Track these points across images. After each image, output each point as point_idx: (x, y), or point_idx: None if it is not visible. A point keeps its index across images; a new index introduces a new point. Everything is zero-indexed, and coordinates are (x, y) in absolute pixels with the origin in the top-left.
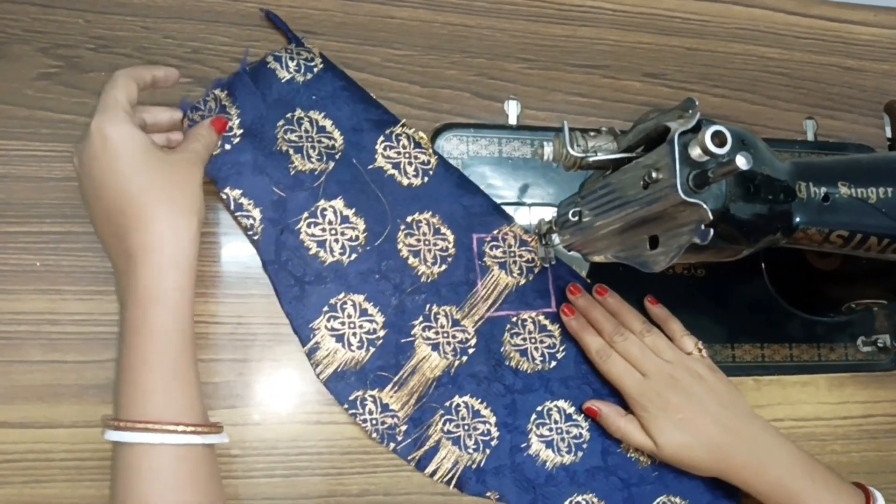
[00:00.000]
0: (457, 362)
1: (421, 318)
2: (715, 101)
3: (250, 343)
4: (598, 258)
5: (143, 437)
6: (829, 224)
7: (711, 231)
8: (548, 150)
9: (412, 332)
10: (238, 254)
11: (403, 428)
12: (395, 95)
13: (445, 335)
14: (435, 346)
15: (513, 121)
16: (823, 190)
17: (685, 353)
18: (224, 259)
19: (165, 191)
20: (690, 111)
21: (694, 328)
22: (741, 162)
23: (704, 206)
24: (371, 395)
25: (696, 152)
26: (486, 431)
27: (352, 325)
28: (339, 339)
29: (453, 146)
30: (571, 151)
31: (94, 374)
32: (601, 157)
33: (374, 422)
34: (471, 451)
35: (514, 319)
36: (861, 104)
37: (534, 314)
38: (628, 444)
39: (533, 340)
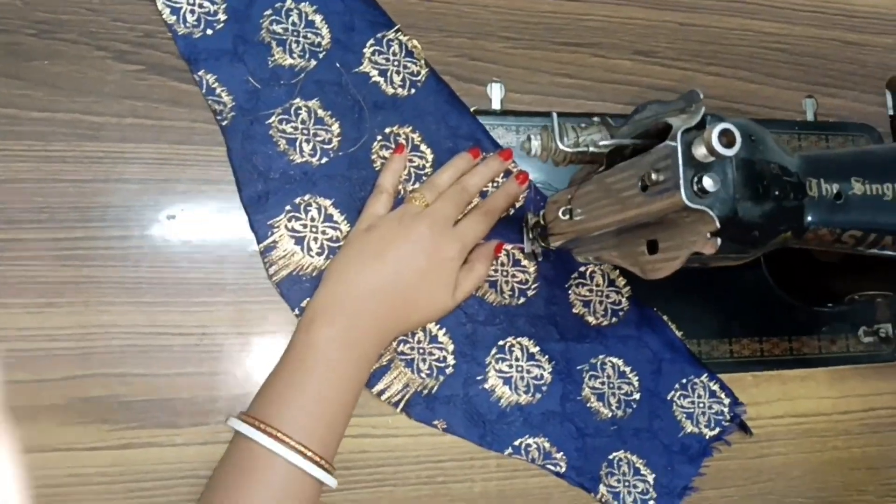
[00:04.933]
0: None
1: None
2: (709, 79)
3: (217, 355)
4: (591, 258)
5: (271, 443)
6: (841, 224)
7: (719, 241)
8: (535, 143)
9: None
10: (199, 259)
11: None
12: None
13: None
14: None
15: (496, 105)
16: (836, 187)
17: None
18: (184, 264)
19: (437, 301)
20: (694, 105)
21: (689, 322)
22: (708, 184)
23: (711, 213)
24: None
25: (700, 152)
26: (441, 358)
27: (314, 230)
28: (299, 241)
29: None
30: (561, 146)
31: (49, 394)
32: (593, 150)
33: None
34: (423, 375)
35: None
36: (862, 81)
37: (509, 247)
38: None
39: (504, 273)
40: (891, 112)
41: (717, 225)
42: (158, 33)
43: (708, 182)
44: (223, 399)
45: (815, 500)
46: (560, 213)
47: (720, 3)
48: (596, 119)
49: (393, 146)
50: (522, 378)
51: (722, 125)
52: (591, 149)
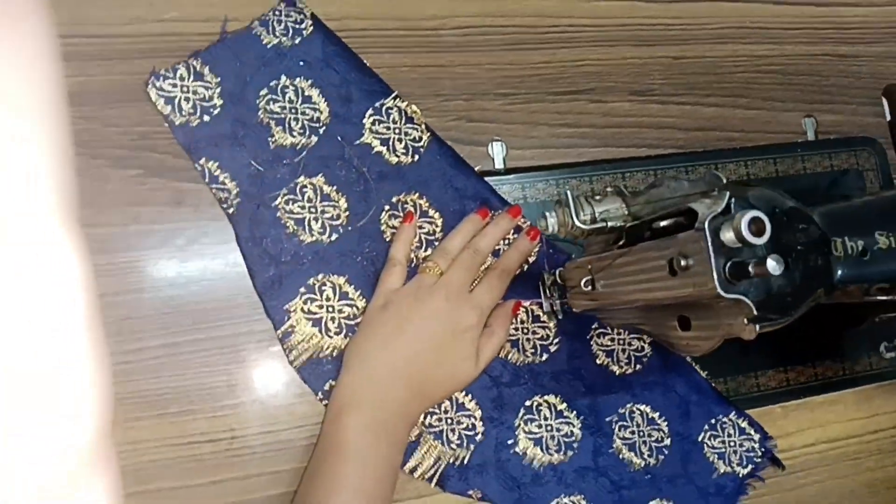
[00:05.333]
0: None
1: None
2: (708, 111)
3: (249, 457)
4: (616, 324)
5: None
6: (868, 279)
7: (758, 327)
8: (551, 221)
9: None
10: (218, 363)
11: None
12: None
13: None
14: None
15: (499, 164)
16: (861, 244)
17: None
18: (204, 370)
19: (460, 372)
20: (717, 190)
21: (713, 361)
22: (772, 267)
23: (748, 301)
24: None
25: (728, 237)
26: (470, 426)
27: (330, 309)
28: (316, 323)
29: None
30: (577, 223)
31: None
32: (613, 225)
33: None
34: (454, 446)
35: None
36: (859, 93)
37: (527, 304)
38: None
39: (525, 331)
40: (888, 119)
41: (755, 311)
42: (154, 134)
43: (772, 266)
44: (259, 501)
45: None
46: (582, 284)
47: (710, 31)
48: (609, 189)
49: (401, 214)
50: (553, 437)
51: (751, 214)
52: (610, 223)
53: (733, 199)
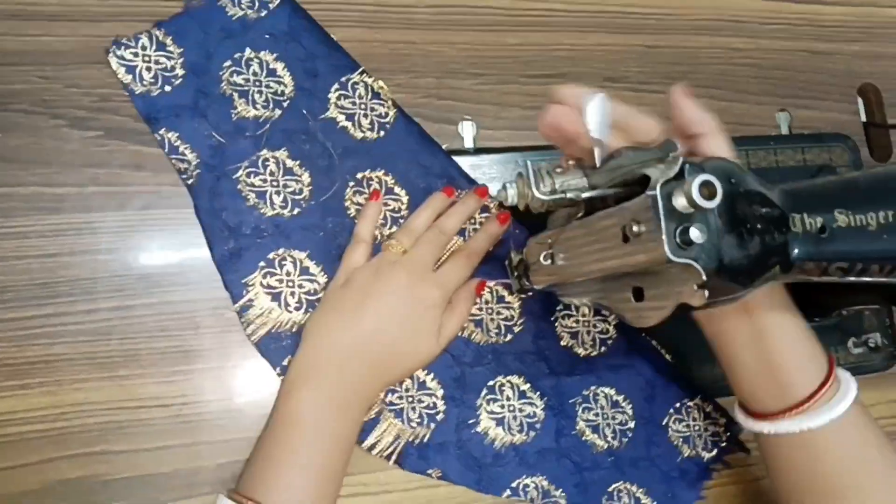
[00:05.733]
0: None
1: None
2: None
3: (199, 424)
4: (576, 301)
5: None
6: (827, 257)
7: (706, 293)
8: (511, 192)
9: None
10: (172, 328)
11: None
12: None
13: None
14: None
15: (469, 144)
16: (819, 220)
17: None
18: (158, 334)
19: (422, 349)
20: (671, 155)
21: (680, 347)
22: (695, 236)
23: (697, 266)
24: None
25: (681, 202)
26: (431, 405)
27: (290, 284)
28: (276, 297)
29: None
30: (537, 194)
31: (26, 479)
32: (571, 197)
33: None
34: (414, 425)
35: None
36: (833, 90)
37: (492, 283)
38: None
39: (490, 311)
40: (863, 119)
41: (704, 277)
42: (115, 96)
43: (695, 233)
44: (207, 469)
45: None
46: (542, 258)
47: (687, 22)
48: (571, 162)
49: (367, 191)
50: (515, 417)
51: (702, 177)
52: (569, 195)
53: (687, 165)
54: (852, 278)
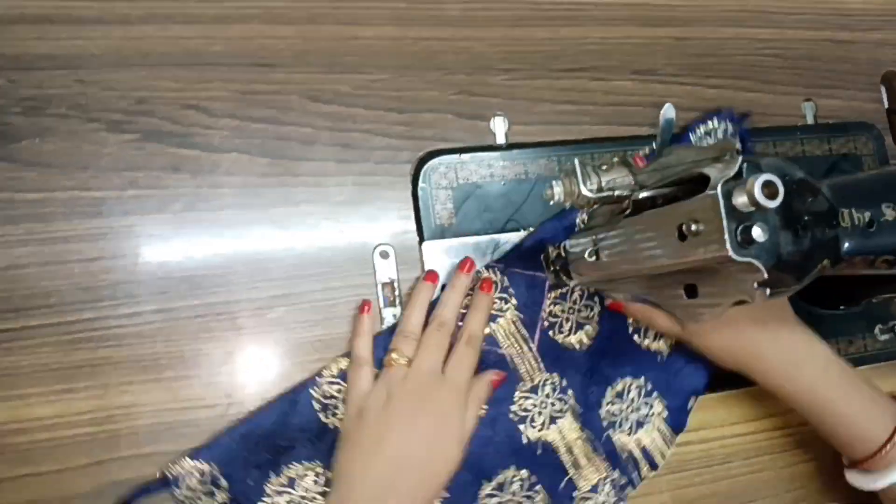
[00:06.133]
0: None
1: None
2: (711, 92)
3: None
4: (619, 297)
5: None
6: (874, 250)
7: (768, 291)
8: (557, 190)
9: None
10: (215, 329)
11: None
12: (371, 126)
13: None
14: None
15: (501, 139)
16: (867, 215)
17: None
18: (202, 335)
19: (453, 458)
20: (729, 155)
21: None
22: (757, 234)
23: (759, 264)
24: None
25: (740, 200)
26: None
27: None
28: None
29: (441, 175)
30: (584, 191)
31: (76, 482)
32: (620, 194)
33: None
34: None
35: None
36: (857, 79)
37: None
38: (652, 327)
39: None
40: (887, 106)
41: (765, 275)
42: (151, 99)
43: (757, 233)
44: None
45: (847, 501)
46: (586, 255)
47: (713, 14)
48: (615, 159)
49: None
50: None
51: (764, 177)
52: (617, 192)
53: (745, 164)
54: None
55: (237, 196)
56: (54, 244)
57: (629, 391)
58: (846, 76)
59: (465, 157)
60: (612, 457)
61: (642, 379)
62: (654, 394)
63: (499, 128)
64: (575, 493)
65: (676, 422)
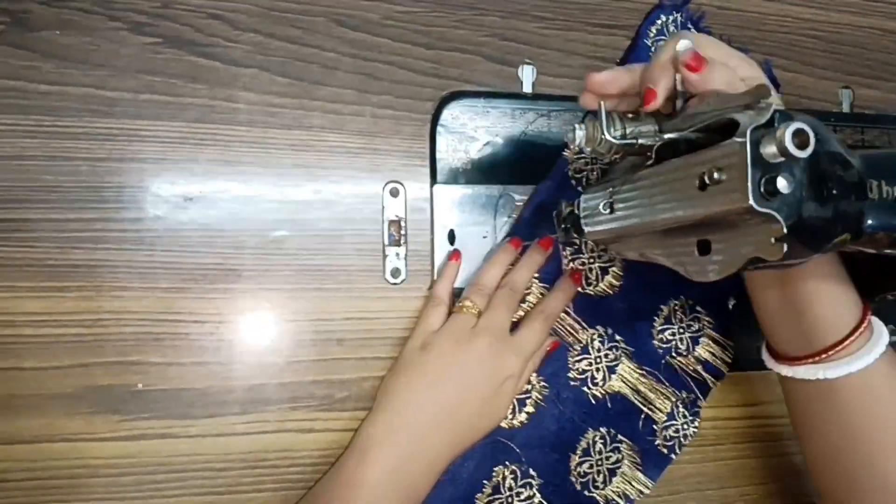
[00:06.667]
0: None
1: None
2: None
3: (234, 344)
4: (630, 255)
5: None
6: None
7: (785, 247)
8: (580, 133)
9: None
10: (216, 244)
11: None
12: (396, 59)
13: None
14: None
15: (528, 88)
16: None
17: None
18: (202, 249)
19: (496, 419)
20: (763, 102)
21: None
22: (782, 186)
23: (779, 217)
24: None
25: (770, 151)
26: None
27: None
28: None
29: (462, 118)
30: (608, 137)
31: (57, 382)
32: (643, 143)
33: None
34: None
35: None
36: None
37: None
38: None
39: None
40: None
41: (785, 230)
42: (176, 4)
43: (782, 183)
44: (239, 389)
45: None
46: (601, 207)
47: None
48: (644, 108)
49: None
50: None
51: (795, 125)
52: (641, 141)
53: (778, 113)
54: None
55: (252, 113)
56: (63, 139)
57: (675, 313)
58: (889, 67)
59: (489, 102)
60: (674, 380)
61: (682, 298)
62: (698, 307)
63: (527, 76)
64: (655, 427)
65: (725, 327)
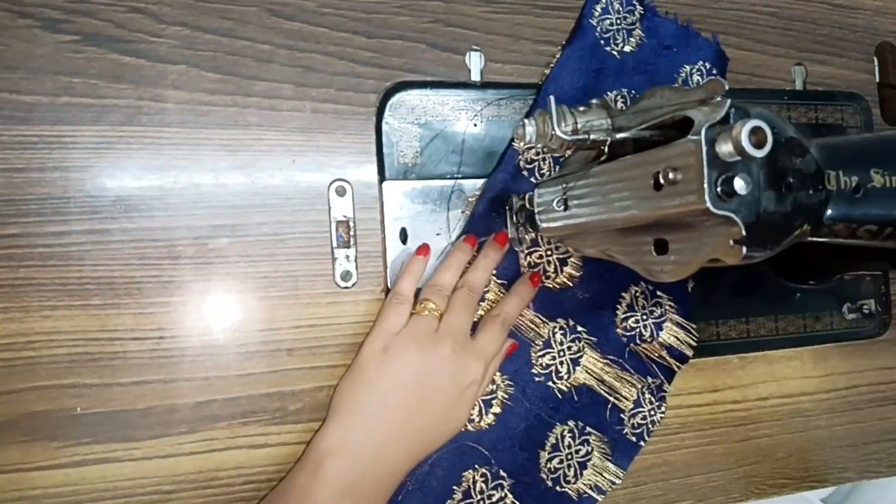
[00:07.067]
0: None
1: None
2: None
3: (177, 360)
4: (587, 252)
5: None
6: (859, 218)
7: (745, 249)
8: (529, 129)
9: None
10: (150, 256)
11: None
12: (335, 49)
13: None
14: None
15: (476, 76)
16: (855, 179)
17: None
18: (135, 262)
19: (457, 426)
20: (718, 98)
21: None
22: (739, 186)
23: (737, 219)
24: None
25: (725, 149)
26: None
27: None
28: None
29: (408, 110)
30: (559, 132)
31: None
32: (595, 138)
33: None
34: None
35: None
36: (852, 46)
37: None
38: None
39: None
40: (878, 79)
41: (743, 232)
42: None
43: (739, 184)
44: (184, 408)
45: (797, 479)
46: (554, 203)
47: None
48: (594, 101)
49: None
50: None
51: (752, 122)
52: (593, 136)
53: (733, 109)
54: (877, 242)
55: (182, 113)
56: None
57: (637, 300)
58: (840, 43)
59: (436, 92)
60: (639, 367)
61: (643, 284)
62: (659, 292)
63: (474, 64)
64: (622, 416)
65: (687, 310)
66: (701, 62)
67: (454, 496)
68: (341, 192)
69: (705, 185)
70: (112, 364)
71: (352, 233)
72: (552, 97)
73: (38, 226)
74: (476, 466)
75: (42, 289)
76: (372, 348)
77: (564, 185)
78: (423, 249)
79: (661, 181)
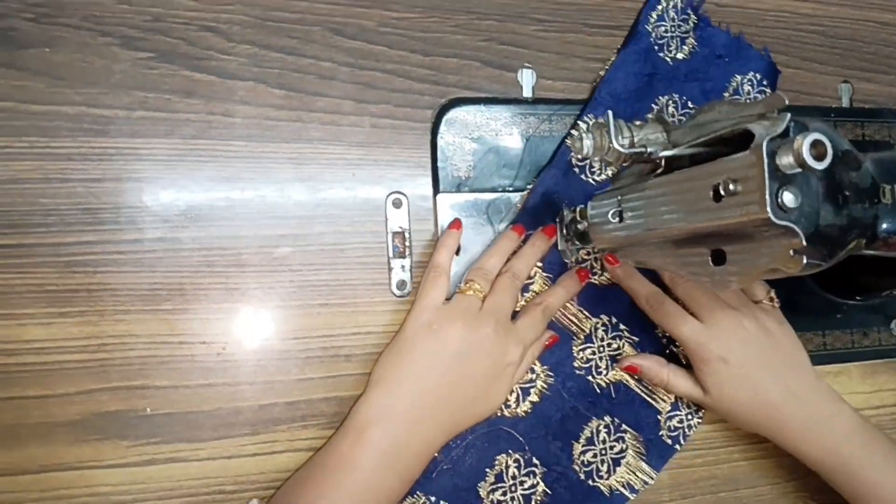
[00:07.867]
0: None
1: None
2: None
3: (241, 363)
4: (640, 263)
5: None
6: None
7: (805, 259)
8: (587, 143)
9: None
10: (218, 263)
11: None
12: (393, 67)
13: None
14: None
15: (527, 93)
16: None
17: (754, 300)
18: (203, 269)
19: (493, 405)
20: (778, 112)
21: None
22: (789, 199)
23: (797, 229)
24: None
25: (785, 161)
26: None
27: None
28: None
29: (462, 125)
30: (615, 145)
31: (63, 409)
32: (654, 152)
33: None
34: None
35: None
36: None
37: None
38: (670, 390)
39: None
40: None
41: (804, 242)
42: (168, 17)
43: (788, 197)
44: (248, 410)
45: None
46: (609, 215)
47: None
48: (650, 116)
49: None
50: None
51: (813, 136)
52: (650, 149)
53: (793, 123)
54: None
55: (249, 127)
56: (57, 160)
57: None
58: (887, 60)
59: (489, 108)
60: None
61: None
62: None
63: (526, 80)
64: (658, 417)
65: None
66: (752, 73)
67: (487, 478)
68: (398, 204)
69: (766, 196)
70: (180, 367)
71: (407, 243)
72: (610, 112)
73: (113, 234)
74: (510, 451)
75: (116, 294)
76: (417, 322)
77: (620, 198)
78: (456, 223)
79: (722, 192)
